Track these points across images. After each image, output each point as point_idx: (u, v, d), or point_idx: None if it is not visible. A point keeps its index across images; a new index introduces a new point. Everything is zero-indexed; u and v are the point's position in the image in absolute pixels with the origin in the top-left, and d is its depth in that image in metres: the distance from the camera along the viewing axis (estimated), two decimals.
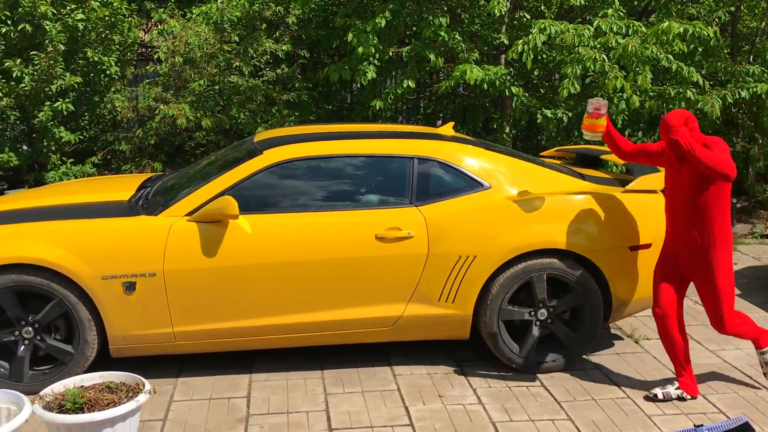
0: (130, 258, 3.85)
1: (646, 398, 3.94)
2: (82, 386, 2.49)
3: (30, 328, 3.88)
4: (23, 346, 3.90)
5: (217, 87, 7.62)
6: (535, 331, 4.22)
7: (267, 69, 7.97)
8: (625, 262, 4.22)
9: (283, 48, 7.75)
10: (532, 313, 4.21)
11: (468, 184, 4.21)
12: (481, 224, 4.10)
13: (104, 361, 4.19)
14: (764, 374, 4.00)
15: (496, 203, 4.14)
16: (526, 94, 7.00)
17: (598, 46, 6.44)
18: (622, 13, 6.88)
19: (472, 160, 4.27)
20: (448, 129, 4.90)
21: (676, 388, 3.93)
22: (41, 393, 2.43)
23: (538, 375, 4.25)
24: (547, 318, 4.22)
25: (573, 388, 4.09)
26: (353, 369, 4.31)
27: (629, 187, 4.30)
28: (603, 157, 5.02)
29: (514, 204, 4.13)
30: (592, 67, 6.27)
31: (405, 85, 7.02)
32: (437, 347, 4.62)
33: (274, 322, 4.04)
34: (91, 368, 4.04)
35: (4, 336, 3.88)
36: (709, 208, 3.66)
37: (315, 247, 3.98)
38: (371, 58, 6.88)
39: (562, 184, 4.33)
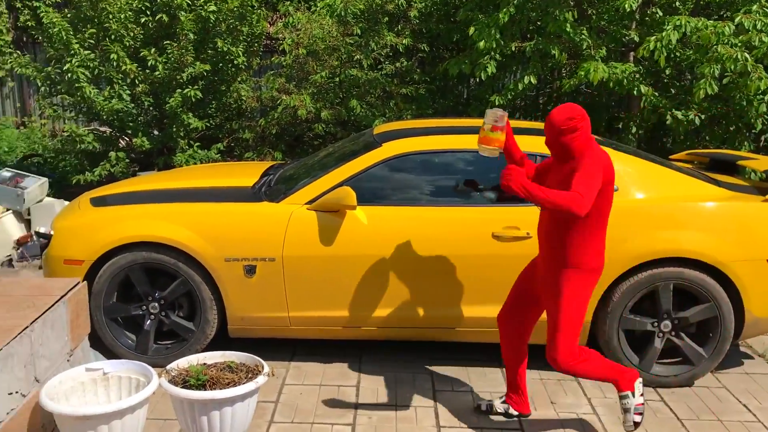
0: (252, 242, 3.96)
1: (475, 409, 3.69)
2: (204, 363, 2.58)
3: (156, 304, 4.08)
4: (149, 321, 4.10)
5: (337, 79, 7.73)
6: (658, 343, 4.00)
7: (386, 62, 8.01)
8: (762, 276, 3.92)
9: (404, 41, 7.76)
10: (655, 324, 3.99)
11: None
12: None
13: (222, 341, 4.34)
14: (623, 423, 3.37)
15: (622, 207, 3.95)
16: (656, 94, 6.66)
17: (739, 44, 6.03)
18: None
19: None
20: None
21: (502, 402, 3.66)
22: (167, 367, 2.54)
23: (658, 390, 4.03)
24: (671, 330, 3.99)
25: (696, 406, 3.85)
26: (462, 368, 4.25)
27: None
28: (740, 163, 4.69)
29: (642, 208, 3.93)
30: (732, 66, 5.88)
31: (526, 81, 6.85)
32: None
33: (385, 314, 4.04)
34: (209, 348, 4.20)
35: (133, 310, 4.09)
36: (568, 224, 3.13)
37: (429, 241, 3.95)
38: (492, 53, 6.76)
39: (694, 189, 4.08)
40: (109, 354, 4.14)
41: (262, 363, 2.52)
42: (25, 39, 10.52)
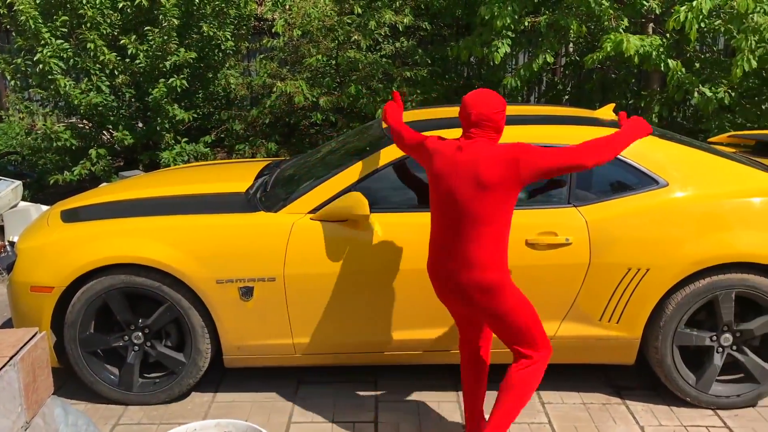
0: (247, 260, 3.41)
1: None
2: None
3: (140, 333, 3.53)
4: (133, 353, 3.55)
5: (333, 62, 7.14)
6: (717, 359, 3.49)
7: (385, 42, 7.41)
8: None
9: (404, 20, 7.15)
10: (714, 338, 3.48)
11: (640, 180, 3.50)
12: (656, 230, 3.38)
13: (217, 370, 3.81)
14: None
15: (674, 204, 3.41)
16: (683, 69, 6.10)
17: None
18: None
19: (644, 151, 3.54)
20: (607, 112, 4.17)
21: None
22: None
23: (718, 412, 3.52)
24: (732, 344, 3.48)
25: (764, 429, 3.34)
26: (493, 392, 3.73)
27: None
28: None
29: (698, 206, 3.40)
30: None
31: (541, 60, 6.27)
32: (591, 370, 3.96)
33: (405, 338, 3.51)
34: (204, 379, 3.67)
35: (113, 341, 3.55)
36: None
37: None
38: (505, 31, 6.18)
39: (755, 181, 3.54)
40: (88, 393, 3.61)
41: None
42: None
